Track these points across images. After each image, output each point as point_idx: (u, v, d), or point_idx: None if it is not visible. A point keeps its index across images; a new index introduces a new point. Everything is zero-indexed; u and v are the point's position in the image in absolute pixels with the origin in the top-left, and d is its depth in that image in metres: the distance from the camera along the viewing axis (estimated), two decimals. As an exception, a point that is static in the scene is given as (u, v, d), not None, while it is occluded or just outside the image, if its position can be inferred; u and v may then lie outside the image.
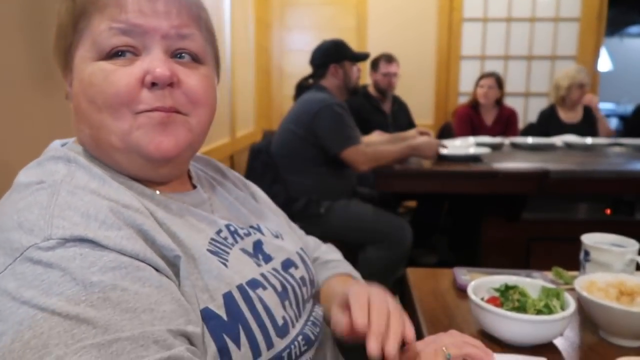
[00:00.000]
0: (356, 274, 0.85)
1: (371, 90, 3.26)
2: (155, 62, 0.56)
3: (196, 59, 0.61)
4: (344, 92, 2.34)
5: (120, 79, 0.55)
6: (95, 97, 0.56)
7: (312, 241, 0.92)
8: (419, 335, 0.82)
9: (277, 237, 0.74)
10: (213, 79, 0.64)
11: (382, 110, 3.25)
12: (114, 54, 0.56)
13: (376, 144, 2.31)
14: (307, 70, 2.39)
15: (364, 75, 3.25)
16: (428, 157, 2.23)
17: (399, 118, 3.35)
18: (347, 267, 0.85)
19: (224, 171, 0.82)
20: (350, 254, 2.18)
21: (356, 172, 2.20)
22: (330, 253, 0.90)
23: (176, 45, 0.59)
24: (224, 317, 0.53)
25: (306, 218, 2.11)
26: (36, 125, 1.03)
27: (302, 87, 2.39)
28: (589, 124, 3.17)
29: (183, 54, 0.60)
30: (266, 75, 3.89)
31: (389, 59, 3.21)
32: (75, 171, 0.56)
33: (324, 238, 1.97)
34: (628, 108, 6.54)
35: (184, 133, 0.59)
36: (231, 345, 0.53)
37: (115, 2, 0.55)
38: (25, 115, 1.01)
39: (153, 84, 0.56)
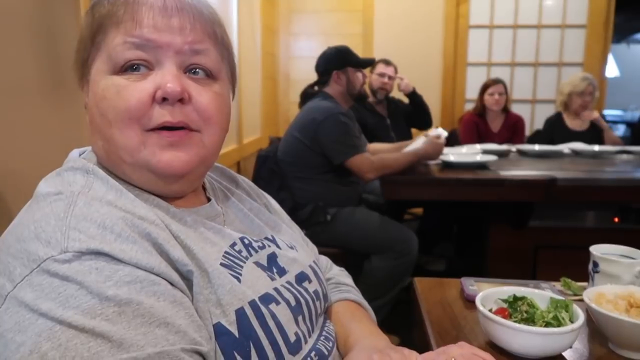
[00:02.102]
0: (365, 303, 0.83)
1: (368, 92, 3.25)
2: (166, 77, 0.56)
3: (210, 75, 0.61)
4: (347, 99, 2.33)
5: (132, 94, 0.56)
6: (107, 111, 0.56)
7: (325, 260, 0.91)
8: (427, 346, 0.82)
9: (291, 248, 0.73)
10: (226, 95, 0.64)
11: (379, 113, 3.23)
12: (128, 68, 0.57)
13: (382, 152, 2.31)
14: (313, 76, 2.39)
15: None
16: (435, 158, 2.23)
17: (397, 119, 3.33)
18: (357, 295, 0.84)
19: (238, 181, 0.82)
20: (356, 263, 2.18)
21: (362, 180, 2.20)
22: (343, 277, 0.88)
23: (190, 61, 0.59)
24: (235, 333, 0.54)
25: (312, 225, 2.11)
26: (47, 134, 1.04)
27: (307, 95, 2.39)
28: (595, 132, 3.15)
29: (197, 70, 0.60)
30: (272, 82, 3.90)
31: (387, 62, 3.27)
32: (93, 182, 0.56)
33: (330, 245, 1.99)
34: (635, 115, 6.51)
35: (195, 150, 0.59)
36: None
37: (130, 17, 0.56)
38: (37, 123, 1.02)
39: (164, 99, 0.56)
